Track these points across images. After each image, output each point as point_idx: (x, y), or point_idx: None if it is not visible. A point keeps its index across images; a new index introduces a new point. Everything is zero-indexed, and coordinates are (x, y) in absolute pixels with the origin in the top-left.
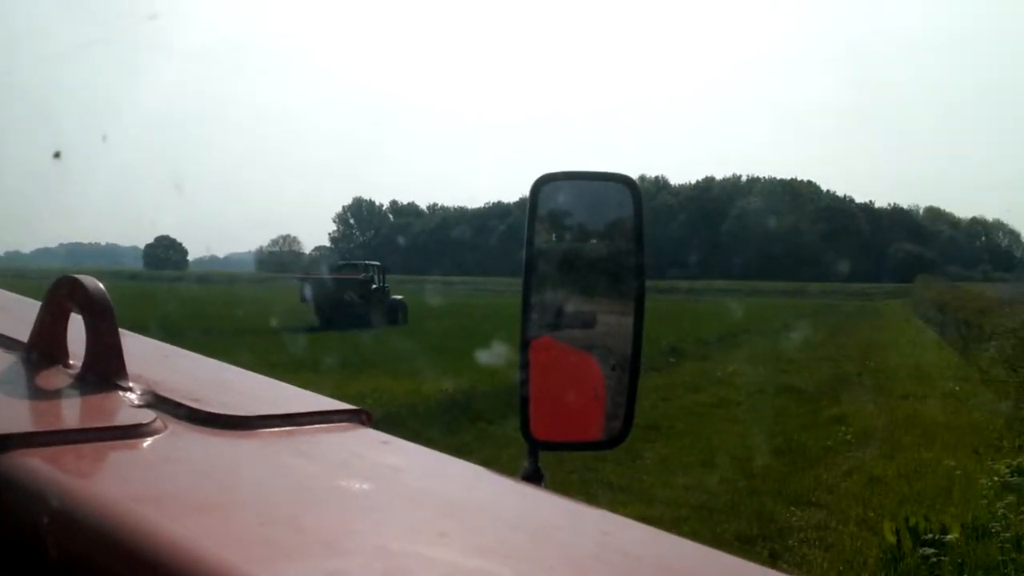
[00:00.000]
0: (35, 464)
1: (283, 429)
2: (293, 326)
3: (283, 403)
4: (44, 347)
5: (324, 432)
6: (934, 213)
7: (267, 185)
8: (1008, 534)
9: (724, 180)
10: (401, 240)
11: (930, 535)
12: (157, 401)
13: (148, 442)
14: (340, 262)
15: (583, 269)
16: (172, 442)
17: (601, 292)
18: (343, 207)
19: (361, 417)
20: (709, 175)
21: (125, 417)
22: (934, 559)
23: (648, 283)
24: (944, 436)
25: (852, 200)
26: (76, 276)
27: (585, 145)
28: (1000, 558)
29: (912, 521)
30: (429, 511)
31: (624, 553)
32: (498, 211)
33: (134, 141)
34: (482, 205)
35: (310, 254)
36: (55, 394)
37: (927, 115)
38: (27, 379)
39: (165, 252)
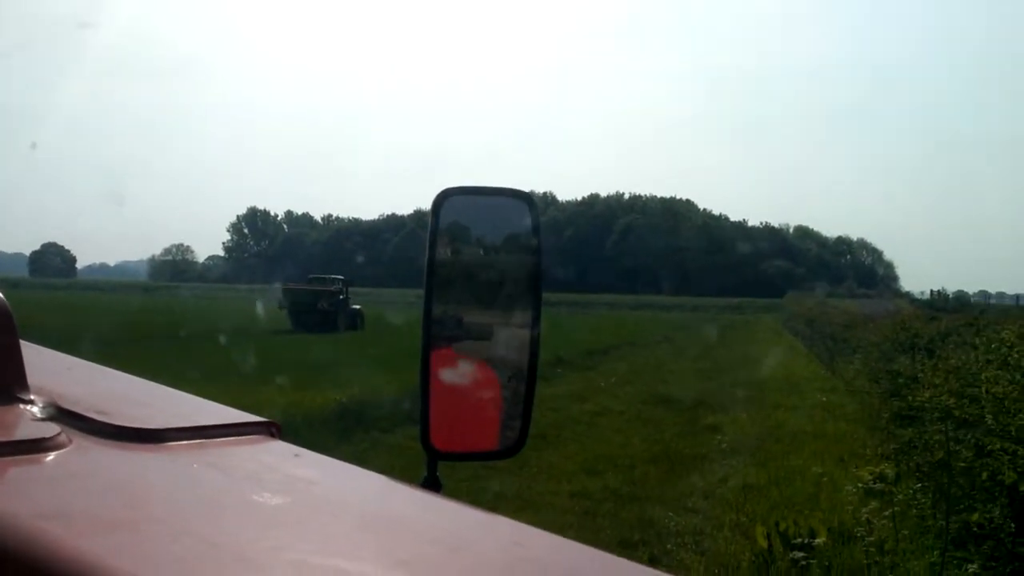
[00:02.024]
0: None
1: (192, 442)
2: (272, 330)
3: (192, 415)
4: None
5: (234, 445)
6: (803, 231)
7: (159, 193)
8: (872, 538)
9: (608, 197)
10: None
11: (799, 539)
12: (60, 414)
13: (52, 457)
14: (310, 276)
15: (482, 281)
16: (77, 457)
17: (499, 304)
18: (237, 216)
19: (271, 429)
20: (594, 192)
21: (26, 431)
22: (803, 562)
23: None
24: (812, 444)
25: (727, 218)
26: None
27: (478, 161)
28: (864, 561)
29: (783, 526)
30: (345, 524)
31: (535, 562)
32: (393, 223)
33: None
34: (376, 217)
35: (204, 263)
36: None
37: (798, 138)
38: None
39: (52, 259)
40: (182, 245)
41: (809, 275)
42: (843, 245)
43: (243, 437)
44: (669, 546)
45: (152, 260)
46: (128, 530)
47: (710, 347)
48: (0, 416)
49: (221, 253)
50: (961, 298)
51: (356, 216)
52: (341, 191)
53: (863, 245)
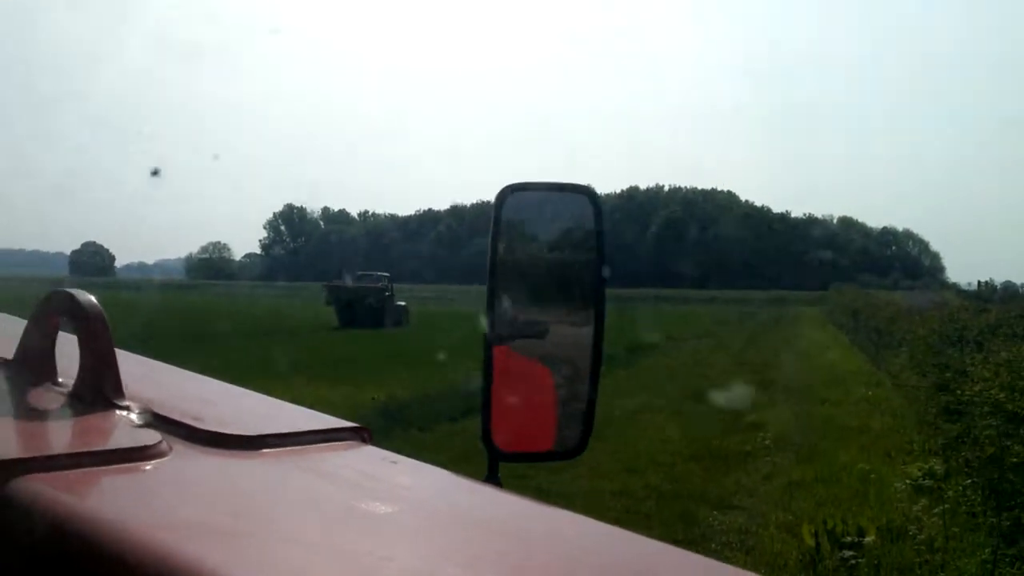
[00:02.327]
0: (41, 490)
1: (289, 448)
2: (320, 326)
3: (284, 421)
4: (32, 364)
5: (328, 451)
6: (847, 223)
7: (196, 191)
8: (922, 536)
9: (647, 189)
10: (333, 246)
11: (848, 537)
12: (157, 421)
13: (154, 465)
14: (358, 272)
15: (545, 279)
16: (179, 464)
17: (561, 302)
18: (274, 214)
19: (362, 435)
20: (633, 184)
21: (128, 439)
22: (852, 561)
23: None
24: (858, 440)
25: (769, 209)
26: (69, 290)
27: (513, 155)
28: (915, 560)
29: (830, 524)
30: (456, 533)
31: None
32: (429, 218)
33: (59, 144)
34: (412, 212)
35: (240, 260)
36: (51, 415)
37: (842, 128)
38: (18, 399)
39: (91, 258)
40: (219, 243)
41: (853, 267)
42: (888, 236)
43: (337, 443)
44: (714, 545)
45: (189, 258)
46: (242, 538)
47: (752, 340)
48: (100, 423)
49: (258, 251)
50: (1009, 288)
51: (392, 212)
52: (378, 187)
53: (909, 236)
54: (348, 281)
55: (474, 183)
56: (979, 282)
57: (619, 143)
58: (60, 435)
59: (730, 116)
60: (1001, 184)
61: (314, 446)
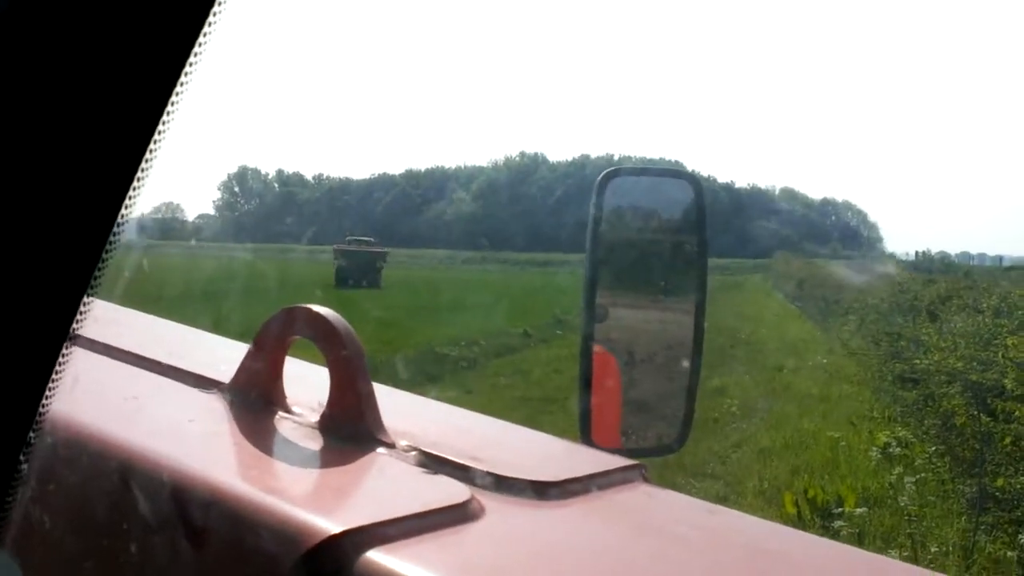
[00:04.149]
0: (390, 563)
1: (589, 495)
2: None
3: (567, 462)
4: (257, 389)
5: (622, 492)
6: (789, 193)
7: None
8: (900, 503)
9: (597, 158)
10: (285, 210)
11: (828, 506)
12: (434, 463)
13: (478, 526)
14: (348, 237)
15: (645, 265)
16: (500, 522)
17: (662, 289)
18: (228, 175)
19: (641, 472)
20: (584, 153)
21: (435, 493)
22: (842, 530)
23: (527, 256)
24: (819, 407)
25: (715, 179)
26: (308, 307)
27: (470, 119)
28: (898, 528)
29: (811, 493)
30: None
31: None
32: (383, 182)
33: None
34: (368, 176)
35: (194, 222)
36: (322, 459)
37: (785, 98)
38: (262, 435)
39: None
40: (172, 203)
41: (795, 236)
42: (828, 206)
43: (624, 484)
44: None
45: (141, 218)
46: None
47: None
48: (386, 470)
49: (212, 212)
50: (945, 259)
51: (347, 176)
52: (332, 151)
53: (848, 206)
54: (348, 246)
55: (429, 148)
56: (916, 252)
57: (569, 108)
58: (359, 491)
59: (677, 87)
60: (937, 153)
61: (609, 489)
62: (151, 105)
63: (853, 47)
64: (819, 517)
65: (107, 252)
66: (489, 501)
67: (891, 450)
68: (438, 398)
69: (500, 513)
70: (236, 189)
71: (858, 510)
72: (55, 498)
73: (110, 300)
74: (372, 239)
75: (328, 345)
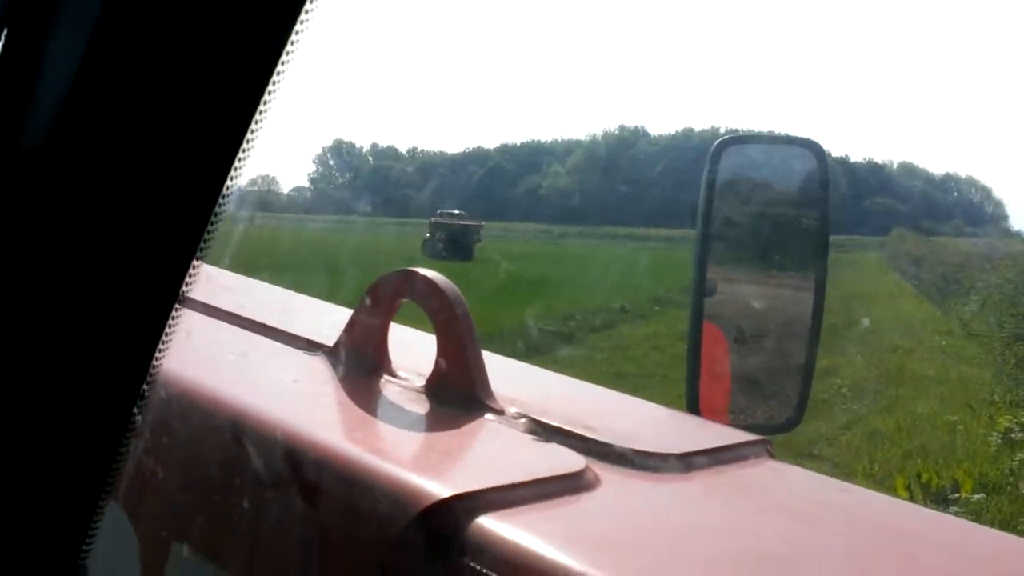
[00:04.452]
0: (499, 534)
1: (713, 469)
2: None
3: (687, 434)
4: (363, 353)
5: (749, 467)
6: (908, 168)
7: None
8: (1022, 490)
9: (702, 131)
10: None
11: (942, 491)
12: (547, 431)
13: (592, 497)
14: (444, 210)
15: (763, 239)
16: (617, 495)
17: (780, 264)
18: (323, 148)
19: (768, 447)
20: (688, 126)
21: (548, 462)
22: (957, 516)
23: (626, 231)
24: (936, 389)
25: (829, 154)
26: (416, 270)
27: (567, 92)
28: (1018, 515)
29: (924, 477)
30: (924, 559)
31: None
32: (478, 156)
33: None
34: (462, 151)
35: (288, 194)
36: (429, 423)
37: (902, 71)
38: (372, 399)
39: None
40: (268, 176)
41: (915, 213)
42: (950, 182)
43: (750, 460)
44: None
45: (239, 190)
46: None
47: None
48: (497, 437)
49: (307, 184)
50: None
51: (441, 150)
52: (426, 125)
53: (971, 182)
54: (441, 219)
55: (525, 122)
56: None
57: (672, 79)
58: (470, 456)
59: (788, 58)
60: None
61: (734, 464)
62: (256, 80)
63: (976, 14)
64: (933, 502)
65: (215, 217)
66: (605, 472)
67: (1013, 435)
68: None
69: (617, 485)
70: (331, 162)
71: (975, 496)
72: (167, 452)
73: (218, 266)
74: (464, 213)
75: (437, 308)
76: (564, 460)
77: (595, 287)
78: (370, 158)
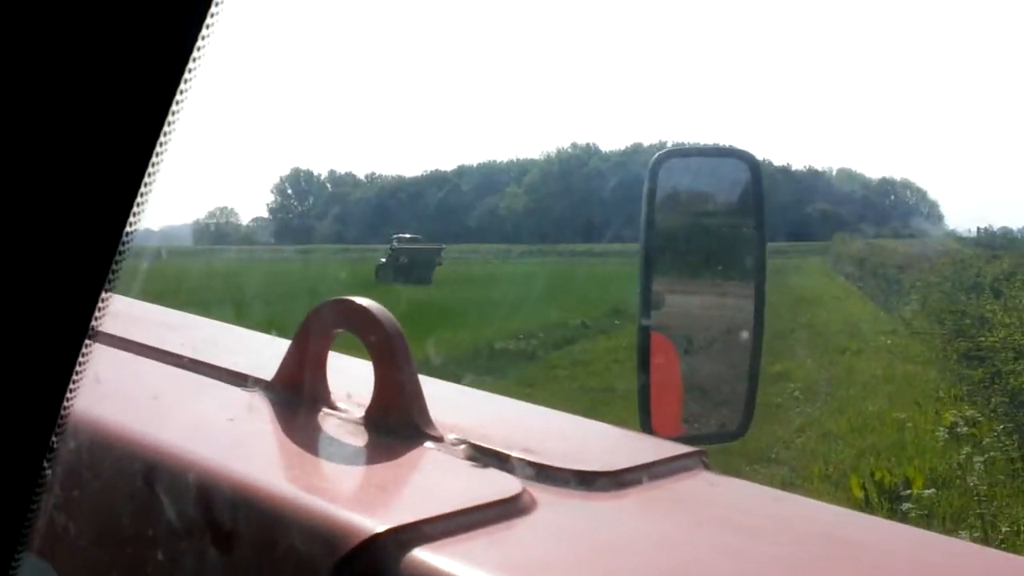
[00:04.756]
0: (438, 561)
1: (648, 484)
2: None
3: (625, 450)
4: (300, 386)
5: (682, 481)
6: (846, 174)
7: (200, 156)
8: (970, 484)
9: (651, 146)
10: (338, 210)
11: (895, 488)
12: (483, 455)
13: (530, 520)
14: (400, 235)
15: (701, 249)
16: (553, 517)
17: (719, 274)
18: (280, 177)
19: (702, 459)
20: (637, 141)
21: (484, 487)
22: (910, 512)
23: (584, 247)
24: (884, 388)
25: (770, 163)
26: (351, 299)
27: (520, 112)
28: (968, 509)
29: (877, 475)
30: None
31: None
32: (436, 179)
33: None
34: (420, 174)
35: (248, 225)
36: (368, 456)
37: (839, 81)
38: (308, 432)
39: None
40: (226, 208)
41: (854, 217)
42: (887, 185)
43: (685, 473)
44: None
45: (196, 224)
46: None
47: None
48: (434, 465)
49: (265, 215)
50: (1007, 235)
51: (399, 173)
52: (383, 149)
53: (907, 185)
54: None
55: (480, 144)
56: (978, 228)
57: (619, 96)
58: (406, 488)
59: (730, 71)
60: (997, 128)
61: (669, 479)
62: (157, 102)
63: (905, 21)
64: (887, 500)
65: (123, 245)
66: (541, 494)
67: (958, 430)
68: (497, 392)
69: (552, 506)
70: (289, 191)
71: (927, 491)
72: (80, 501)
73: (158, 303)
74: (420, 236)
75: (372, 337)
76: (501, 485)
77: (556, 304)
78: (328, 185)
